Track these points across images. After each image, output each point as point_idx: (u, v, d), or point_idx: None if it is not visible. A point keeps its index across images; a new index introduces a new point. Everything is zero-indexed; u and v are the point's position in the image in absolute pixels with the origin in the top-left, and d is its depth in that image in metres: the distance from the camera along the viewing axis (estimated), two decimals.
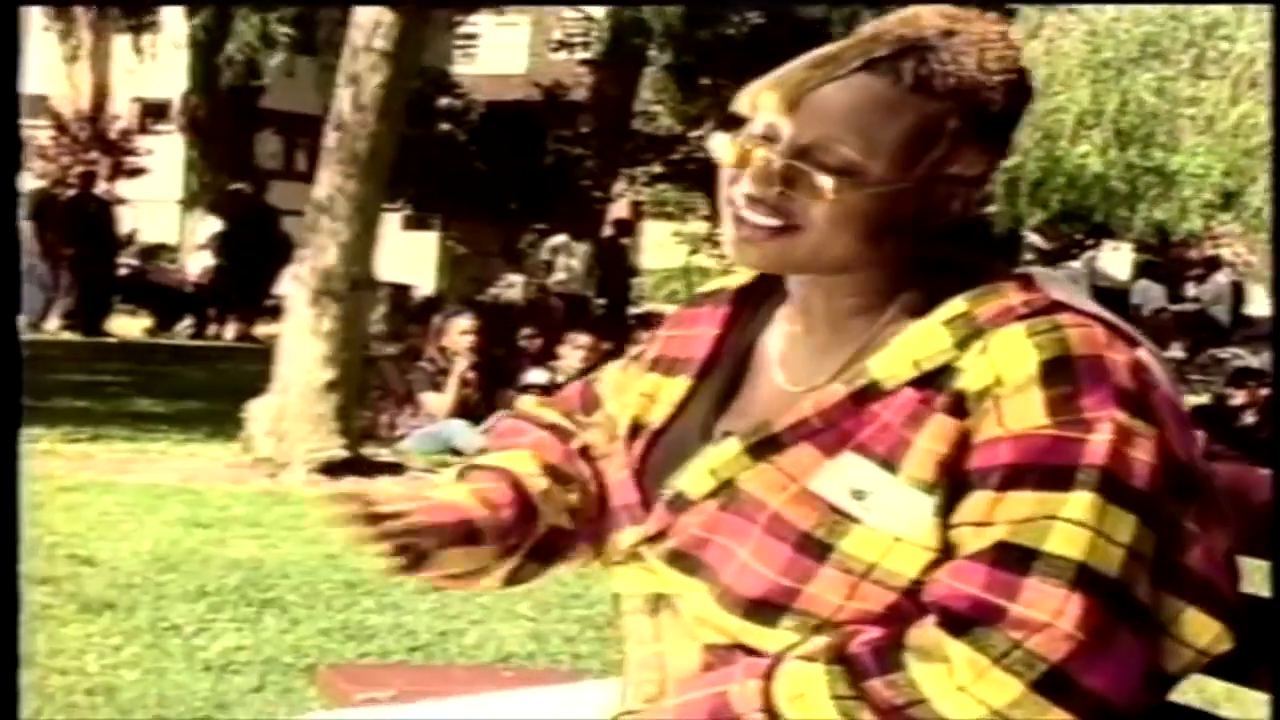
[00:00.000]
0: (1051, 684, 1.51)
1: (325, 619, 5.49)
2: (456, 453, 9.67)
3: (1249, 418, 11.65)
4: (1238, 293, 24.31)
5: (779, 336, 1.78)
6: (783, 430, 1.66)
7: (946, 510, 1.59)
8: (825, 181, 1.63)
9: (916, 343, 1.65)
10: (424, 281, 23.97)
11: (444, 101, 24.87)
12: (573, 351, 10.83)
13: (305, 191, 9.36)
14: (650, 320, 19.65)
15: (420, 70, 13.64)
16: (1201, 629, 1.60)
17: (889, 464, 1.61)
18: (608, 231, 21.75)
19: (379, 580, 6.21)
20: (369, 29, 8.78)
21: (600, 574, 6.44)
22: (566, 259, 19.40)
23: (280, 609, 5.58)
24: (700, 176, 25.81)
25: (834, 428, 1.64)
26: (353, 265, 8.74)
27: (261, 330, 17.62)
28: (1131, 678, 1.55)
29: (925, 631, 1.56)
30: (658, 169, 25.13)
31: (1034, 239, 19.66)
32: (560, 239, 19.83)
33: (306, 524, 7.32)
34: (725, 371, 1.80)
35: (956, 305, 1.65)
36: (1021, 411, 1.58)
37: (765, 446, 1.66)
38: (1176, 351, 19.77)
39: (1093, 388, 1.58)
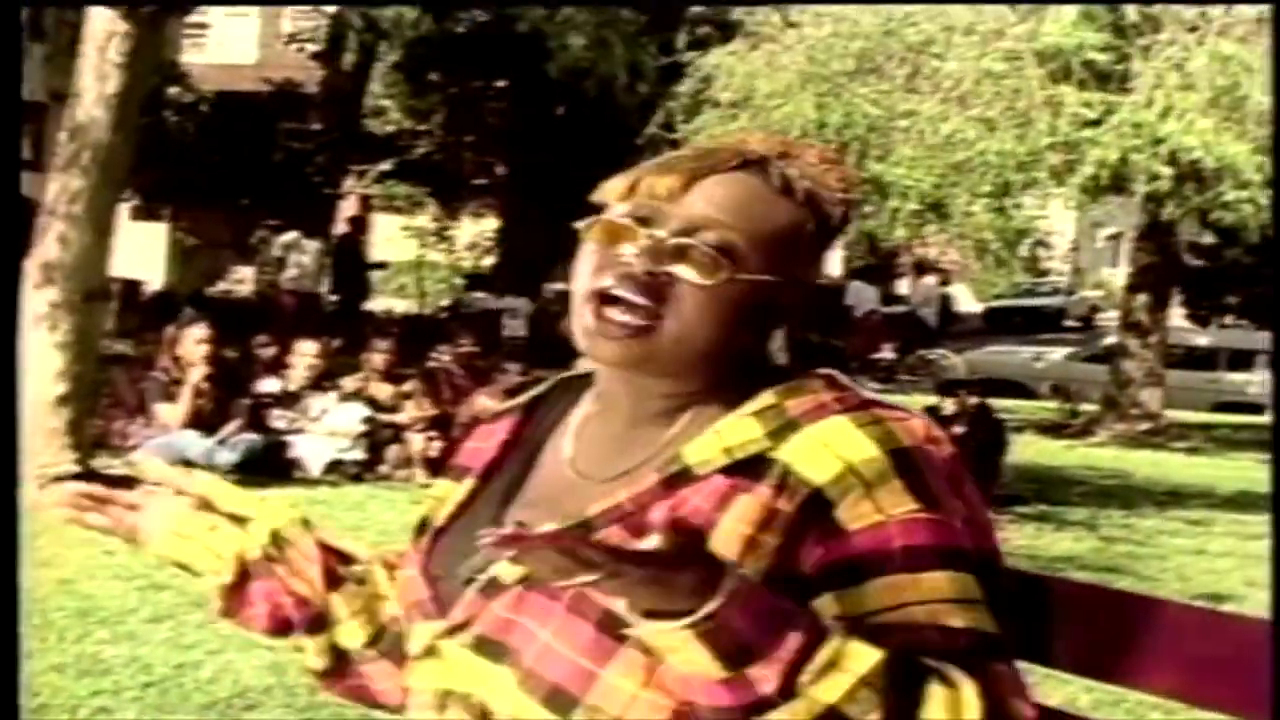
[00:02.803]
0: None
1: (58, 652, 5.48)
2: (189, 464, 9.69)
3: (959, 426, 12.15)
4: (944, 295, 25.23)
5: (571, 433, 1.83)
6: (596, 515, 1.68)
7: None
8: (707, 264, 1.68)
9: (728, 432, 1.69)
10: (153, 273, 23.54)
11: (172, 91, 24.41)
12: (300, 359, 10.87)
13: (30, 180, 9.12)
14: (379, 319, 19.70)
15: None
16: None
17: None
18: (341, 228, 21.60)
19: (112, 606, 6.25)
20: (102, 39, 8.68)
21: None
22: (298, 256, 19.21)
23: None
24: (428, 172, 25.76)
25: (643, 511, 1.67)
26: (87, 276, 8.64)
27: None
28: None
29: (940, 664, 1.57)
30: (388, 166, 24.94)
31: None
32: (291, 235, 19.62)
33: (38, 545, 7.28)
34: (512, 470, 1.86)
35: (765, 398, 1.71)
36: (892, 497, 1.63)
37: (577, 530, 1.64)
38: (887, 353, 20.43)
39: (932, 476, 1.65)
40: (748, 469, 1.67)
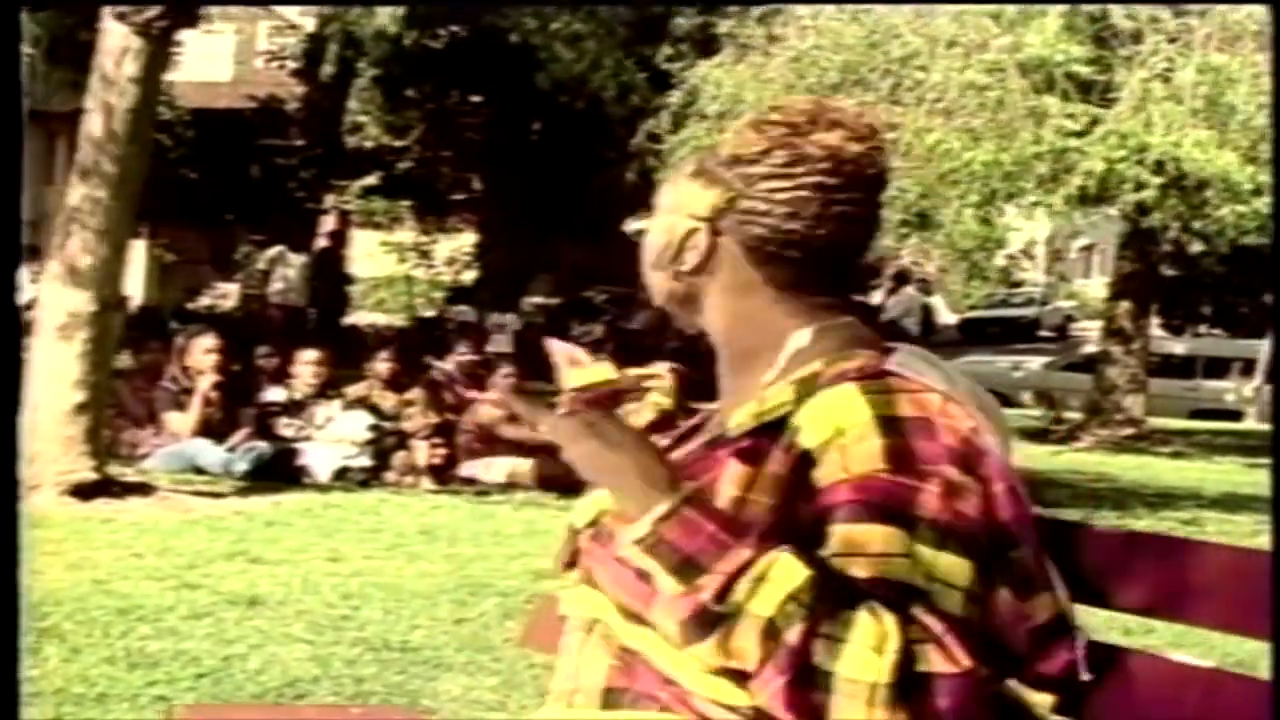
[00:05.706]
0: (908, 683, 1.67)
1: (105, 647, 5.53)
2: (200, 471, 9.78)
3: None
4: (926, 305, 25.43)
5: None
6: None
7: None
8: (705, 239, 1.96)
9: (770, 396, 1.85)
10: (133, 289, 23.58)
11: None
12: (303, 368, 10.96)
13: (45, 193, 9.11)
14: (368, 332, 19.78)
15: None
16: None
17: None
18: (322, 243, 21.63)
19: (150, 605, 6.33)
20: (117, 55, 8.78)
21: (366, 597, 6.60)
22: (284, 270, 19.25)
23: (59, 638, 5.60)
24: (408, 188, 25.76)
25: (685, 470, 1.83)
26: (103, 287, 8.74)
27: None
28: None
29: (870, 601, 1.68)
30: (368, 181, 24.99)
31: None
32: (277, 250, 19.67)
33: (67, 549, 7.37)
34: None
35: (812, 366, 1.86)
36: (863, 456, 1.74)
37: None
38: None
39: (924, 445, 1.75)
40: (772, 431, 1.82)
